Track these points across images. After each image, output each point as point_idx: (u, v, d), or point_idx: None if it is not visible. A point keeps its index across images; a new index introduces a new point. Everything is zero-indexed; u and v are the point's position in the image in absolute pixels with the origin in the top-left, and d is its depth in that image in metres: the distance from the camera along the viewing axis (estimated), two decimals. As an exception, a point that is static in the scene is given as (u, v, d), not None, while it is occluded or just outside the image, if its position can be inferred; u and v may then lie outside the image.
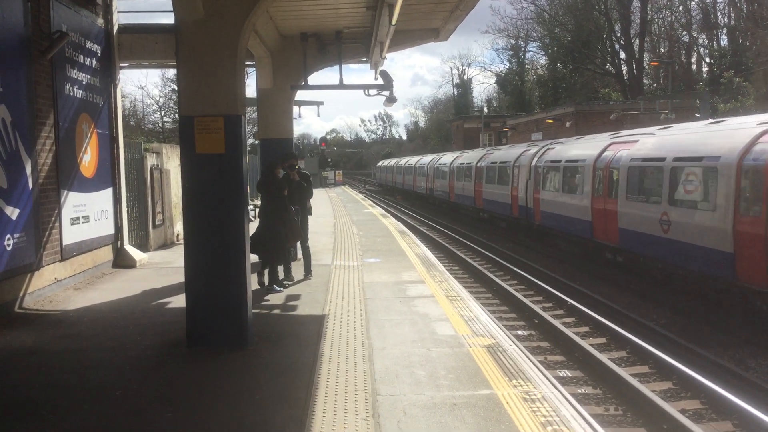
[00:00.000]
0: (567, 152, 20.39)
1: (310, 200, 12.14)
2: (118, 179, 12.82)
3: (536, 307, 12.59)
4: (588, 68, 58.41)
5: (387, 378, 6.11)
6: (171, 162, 16.74)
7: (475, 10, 11.89)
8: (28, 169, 9.36)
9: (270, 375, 6.31)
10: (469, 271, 17.53)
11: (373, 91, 14.07)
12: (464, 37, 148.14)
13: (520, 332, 11.37)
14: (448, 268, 16.13)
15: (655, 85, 55.51)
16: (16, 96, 9.05)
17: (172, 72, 45.59)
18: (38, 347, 7.41)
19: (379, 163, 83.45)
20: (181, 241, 16.72)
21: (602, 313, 12.17)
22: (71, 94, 10.84)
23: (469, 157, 34.25)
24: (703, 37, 54.10)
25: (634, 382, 8.31)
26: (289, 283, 10.94)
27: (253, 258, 8.90)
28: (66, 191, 10.57)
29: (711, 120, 16.25)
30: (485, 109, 78.82)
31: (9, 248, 8.75)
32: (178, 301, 9.27)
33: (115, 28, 12.84)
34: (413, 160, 55.00)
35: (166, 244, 16.20)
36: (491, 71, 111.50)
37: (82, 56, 11.28)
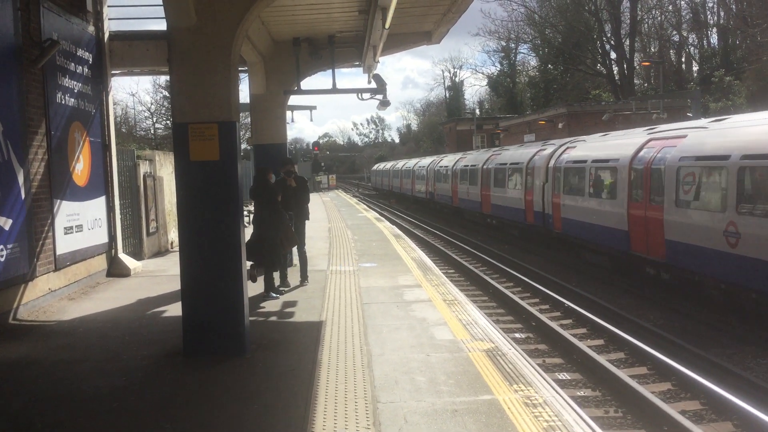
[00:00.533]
0: (593, 151, 18.09)
1: (308, 205, 12.06)
2: (111, 187, 12.74)
3: (533, 309, 12.57)
4: (579, 69, 58.55)
5: (387, 385, 6.06)
6: (164, 169, 16.67)
7: (466, 13, 11.88)
8: (21, 179, 9.28)
9: (268, 383, 6.25)
10: (465, 274, 17.49)
11: (366, 95, 14.05)
12: (455, 39, 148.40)
13: (517, 335, 11.34)
14: (444, 271, 16.10)
15: (646, 85, 55.75)
16: (8, 105, 8.98)
17: (163, 78, 45.41)
18: (33, 359, 7.33)
19: (375, 167, 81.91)
20: (175, 249, 16.66)
21: (600, 315, 12.14)
22: (63, 102, 10.77)
23: (474, 158, 31.94)
24: (693, 36, 54.41)
25: (634, 383, 8.28)
26: (286, 289, 10.88)
27: (247, 265, 8.84)
28: (59, 200, 10.49)
29: None
30: (477, 111, 79.11)
31: (2, 259, 8.67)
32: (174, 309, 9.20)
33: (106, 36, 12.77)
34: (411, 163, 52.66)
35: (161, 252, 16.11)
36: (482, 73, 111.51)
37: (73, 64, 11.21)
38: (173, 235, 17.15)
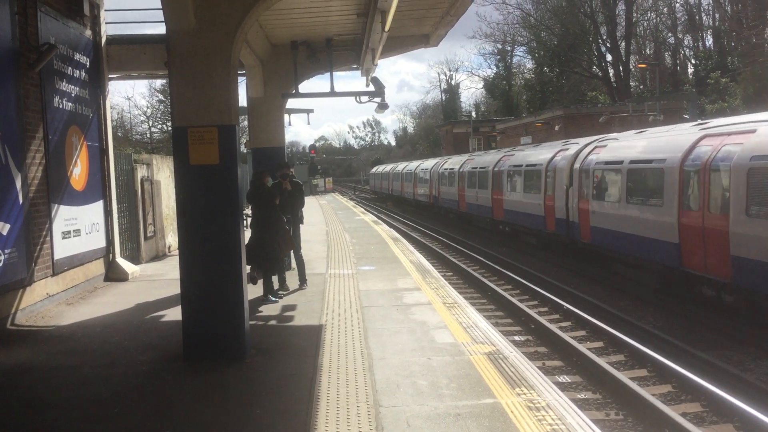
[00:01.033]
0: (630, 150, 15.82)
1: (302, 209, 12.05)
2: (108, 191, 12.70)
3: (532, 312, 12.56)
4: (575, 71, 58.71)
5: (388, 389, 6.04)
6: (161, 173, 16.63)
7: (462, 16, 11.88)
8: (18, 183, 9.23)
9: (269, 388, 6.23)
10: (463, 276, 17.48)
11: (364, 98, 14.04)
12: (451, 42, 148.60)
13: (517, 338, 11.32)
14: (443, 274, 16.08)
15: (641, 87, 55.87)
16: (5, 109, 8.94)
17: (159, 82, 45.47)
18: (32, 364, 7.29)
19: (373, 169, 79.63)
20: (173, 253, 16.64)
21: (598, 317, 12.14)
22: (60, 106, 10.74)
23: (483, 160, 29.57)
24: (689, 38, 54.57)
25: (635, 386, 8.28)
26: (285, 293, 10.85)
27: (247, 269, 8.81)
28: (57, 205, 10.44)
29: None
30: (474, 114, 79.09)
31: (0, 264, 8.63)
32: (173, 314, 9.17)
33: (104, 40, 12.74)
34: (413, 165, 49.66)
35: (158, 256, 16.06)
36: (479, 76, 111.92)
37: (70, 68, 11.18)
38: (171, 239, 17.11)
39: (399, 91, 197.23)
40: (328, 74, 13.78)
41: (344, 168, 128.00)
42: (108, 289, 11.80)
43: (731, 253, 11.14)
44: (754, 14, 40.76)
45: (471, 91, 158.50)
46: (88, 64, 11.96)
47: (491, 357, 6.95)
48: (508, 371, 6.46)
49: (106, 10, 12.86)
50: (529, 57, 69.68)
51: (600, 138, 19.00)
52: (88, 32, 12.10)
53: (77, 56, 11.49)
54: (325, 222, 25.18)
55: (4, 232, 8.78)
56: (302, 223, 12.11)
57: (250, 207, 10.74)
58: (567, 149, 20.05)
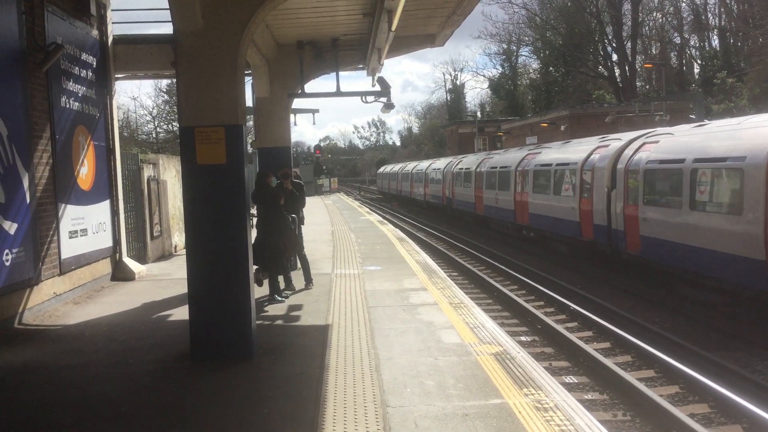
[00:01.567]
0: (693, 146, 13.47)
1: (303, 209, 12.02)
2: (115, 191, 12.72)
3: (538, 312, 12.54)
4: (580, 71, 58.59)
5: (395, 389, 6.03)
6: (168, 173, 16.66)
7: (468, 16, 11.86)
8: (26, 183, 9.26)
9: (277, 388, 6.22)
10: (468, 276, 17.46)
11: (370, 98, 14.04)
12: (456, 42, 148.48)
13: (523, 338, 11.31)
14: (450, 274, 16.07)
15: (647, 87, 55.74)
16: (12, 109, 8.97)
17: (165, 82, 45.53)
18: (40, 363, 7.30)
19: (381, 169, 77.05)
20: (179, 253, 16.66)
21: (605, 317, 12.11)
22: (67, 106, 10.76)
23: (504, 159, 27.19)
24: (695, 38, 54.42)
25: (642, 386, 8.26)
26: (291, 292, 10.85)
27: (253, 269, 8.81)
28: (64, 204, 10.47)
29: None
30: (479, 114, 79.02)
31: (8, 263, 8.65)
32: (180, 313, 9.18)
33: (110, 40, 12.76)
34: (423, 165, 46.82)
35: (164, 256, 16.09)
36: (484, 76, 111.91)
37: (77, 68, 11.20)
38: (177, 238, 17.13)
39: (403, 91, 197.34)
40: (333, 74, 13.79)
41: (349, 168, 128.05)
42: (115, 289, 11.82)
43: None
44: (760, 13, 40.60)
45: (476, 91, 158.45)
46: (94, 63, 11.99)
47: (498, 357, 6.93)
48: (516, 372, 6.44)
49: (112, 10, 12.89)
50: (535, 57, 69.67)
51: (648, 133, 16.65)
52: (95, 32, 12.13)
53: (84, 56, 11.52)
54: (331, 222, 25.17)
55: (12, 232, 8.80)
56: (303, 223, 12.10)
57: (254, 207, 10.73)
58: (606, 146, 17.74)
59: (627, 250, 15.51)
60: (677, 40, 55.15)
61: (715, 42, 52.52)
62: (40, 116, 9.81)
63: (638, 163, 15.23)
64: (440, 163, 41.11)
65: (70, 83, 10.91)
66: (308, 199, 13.34)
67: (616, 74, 55.48)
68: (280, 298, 10.28)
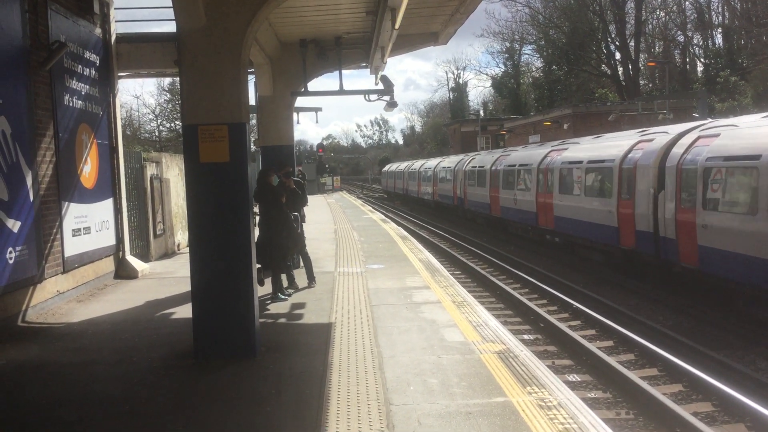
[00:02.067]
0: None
1: (304, 208, 12.00)
2: (118, 189, 12.74)
3: (541, 311, 12.52)
4: (583, 70, 58.52)
5: (399, 387, 6.03)
6: (170, 171, 16.67)
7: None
8: (29, 181, 9.27)
9: (280, 385, 6.23)
10: (471, 275, 17.44)
11: (373, 96, 14.03)
12: (458, 41, 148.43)
13: (526, 336, 11.30)
14: (452, 272, 16.06)
15: (650, 85, 55.66)
16: (16, 107, 8.98)
17: (167, 81, 45.59)
18: (43, 361, 7.31)
19: (386, 168, 73.92)
20: (182, 251, 16.68)
21: (608, 316, 12.10)
22: (71, 104, 10.77)
23: (523, 156, 24.76)
24: (698, 36, 54.33)
25: (645, 385, 8.24)
26: (294, 291, 10.85)
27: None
28: (67, 202, 10.48)
29: None
30: (481, 113, 78.92)
31: (11, 261, 8.66)
32: (183, 311, 9.19)
33: (113, 38, 12.77)
34: (431, 163, 44.31)
35: (167, 254, 16.10)
36: (486, 74, 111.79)
37: (80, 66, 11.21)
38: (180, 236, 17.15)
39: (405, 89, 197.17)
40: (336, 73, 13.80)
41: (351, 166, 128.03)
42: (118, 287, 11.84)
43: None
44: (764, 12, 40.52)
45: (479, 90, 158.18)
46: (98, 62, 12.00)
47: (501, 356, 6.93)
48: (519, 370, 6.43)
49: (116, 9, 12.90)
50: (538, 55, 69.63)
51: (703, 125, 14.41)
52: (98, 30, 12.13)
53: (87, 54, 11.53)
54: (333, 220, 25.17)
55: (15, 230, 8.81)
56: (304, 221, 12.09)
57: (257, 206, 10.73)
58: (650, 140, 15.49)
59: (680, 261, 13.27)
60: (680, 38, 55.12)
61: (719, 40, 52.53)
62: (44, 114, 9.82)
63: (695, 161, 13.00)
64: (450, 160, 38.81)
65: (74, 81, 10.92)
66: (311, 198, 13.34)
67: (619, 73, 55.40)
68: (283, 297, 10.28)
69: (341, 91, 13.82)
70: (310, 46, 13.15)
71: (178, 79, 7.41)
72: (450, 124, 75.56)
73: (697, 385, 8.48)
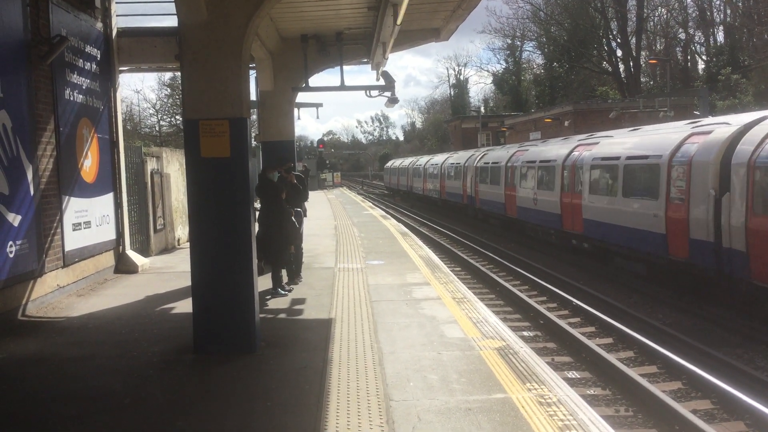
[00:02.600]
0: None
1: (305, 203, 11.98)
2: (119, 184, 12.73)
3: (541, 308, 12.53)
4: (585, 67, 58.49)
5: (399, 383, 6.03)
6: (171, 166, 16.66)
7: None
8: (30, 175, 9.27)
9: (280, 381, 6.23)
10: (471, 271, 17.45)
11: (374, 92, 14.01)
12: (459, 37, 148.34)
13: (525, 333, 11.31)
14: (452, 268, 16.06)
15: (652, 82, 55.61)
16: (17, 101, 8.96)
17: (168, 75, 45.57)
18: (43, 355, 7.32)
19: (388, 164, 71.43)
20: (182, 246, 16.68)
21: (608, 313, 12.10)
22: (71, 98, 10.76)
23: (544, 152, 22.32)
24: (700, 34, 54.26)
25: (645, 382, 8.25)
26: (294, 286, 10.85)
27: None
28: (67, 197, 10.48)
29: None
30: (482, 109, 78.89)
31: (11, 255, 8.66)
32: (183, 306, 9.19)
33: (115, 32, 12.74)
34: (438, 159, 41.91)
35: (168, 249, 16.10)
36: (487, 71, 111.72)
37: (81, 60, 11.19)
38: (180, 231, 17.15)
39: (406, 86, 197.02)
40: (337, 68, 13.79)
41: (352, 162, 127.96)
42: (118, 281, 11.84)
43: None
44: (765, 10, 40.46)
45: (480, 87, 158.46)
46: (98, 56, 11.98)
47: (501, 352, 6.93)
48: (519, 366, 6.44)
49: (117, 3, 12.88)
50: (539, 52, 69.66)
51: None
52: (99, 24, 12.12)
53: (88, 48, 11.51)
54: (334, 216, 25.17)
55: (16, 224, 8.81)
56: (305, 216, 12.06)
57: (258, 201, 10.73)
58: (707, 132, 13.11)
59: (752, 278, 11.10)
60: (682, 36, 55.06)
61: (720, 38, 52.44)
62: (45, 108, 9.81)
63: None
64: (460, 156, 36.37)
65: (75, 76, 10.91)
66: (311, 194, 13.34)
67: (621, 70, 55.36)
68: (283, 292, 10.29)
69: (342, 87, 13.80)
70: (311, 42, 13.14)
71: (179, 73, 7.40)
72: (451, 120, 75.50)
73: (696, 383, 8.49)
